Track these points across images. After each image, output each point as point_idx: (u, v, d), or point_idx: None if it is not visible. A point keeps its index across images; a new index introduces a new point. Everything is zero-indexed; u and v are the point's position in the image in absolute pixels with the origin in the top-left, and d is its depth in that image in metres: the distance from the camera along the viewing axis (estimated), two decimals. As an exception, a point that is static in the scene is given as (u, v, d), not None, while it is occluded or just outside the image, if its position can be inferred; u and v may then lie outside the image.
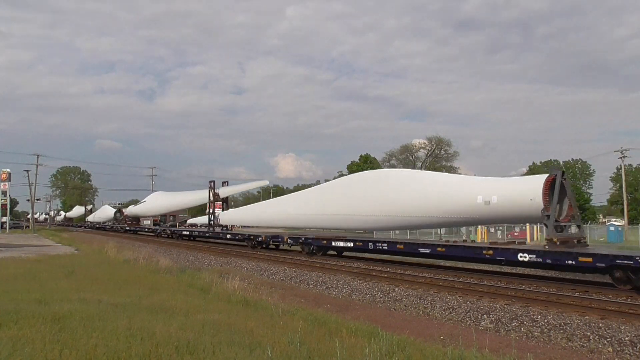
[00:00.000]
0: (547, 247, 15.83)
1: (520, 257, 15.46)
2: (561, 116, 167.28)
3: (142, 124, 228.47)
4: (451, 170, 64.74)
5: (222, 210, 40.10)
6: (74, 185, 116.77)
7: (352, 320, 9.81)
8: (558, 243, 15.78)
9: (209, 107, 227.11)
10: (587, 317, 10.67)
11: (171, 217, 61.32)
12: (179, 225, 52.13)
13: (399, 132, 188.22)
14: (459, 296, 13.43)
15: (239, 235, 34.59)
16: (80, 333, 6.29)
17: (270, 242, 29.78)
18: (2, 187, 61.36)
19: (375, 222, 23.68)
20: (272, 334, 7.23)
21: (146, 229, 59.21)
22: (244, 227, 46.89)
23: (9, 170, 63.27)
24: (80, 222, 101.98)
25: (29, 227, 74.64)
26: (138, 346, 5.71)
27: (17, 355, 5.14)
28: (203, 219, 42.25)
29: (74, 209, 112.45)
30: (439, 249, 18.47)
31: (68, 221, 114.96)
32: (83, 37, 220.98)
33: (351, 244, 23.01)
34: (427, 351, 6.76)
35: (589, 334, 9.51)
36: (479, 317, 11.34)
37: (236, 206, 51.71)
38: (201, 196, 48.07)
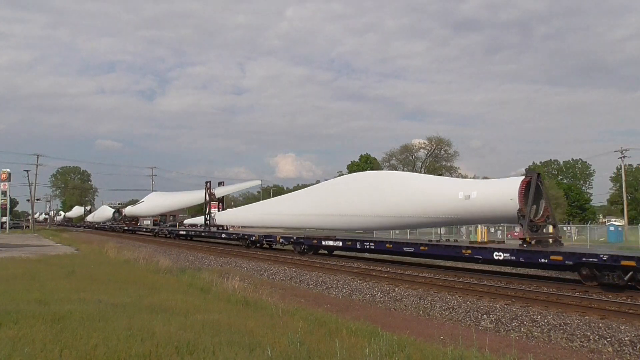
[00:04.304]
0: (524, 245, 16.42)
1: (496, 255, 16.07)
2: (561, 116, 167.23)
3: (142, 124, 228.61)
4: (451, 170, 64.87)
5: (219, 210, 40.44)
6: (74, 185, 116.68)
7: (352, 320, 9.80)
8: (533, 242, 16.49)
9: (209, 107, 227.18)
10: (587, 317, 10.68)
11: (171, 217, 62.90)
12: (179, 225, 52.29)
13: (399, 132, 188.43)
14: (459, 296, 13.43)
15: (234, 235, 35.03)
16: (80, 333, 6.29)
17: (264, 242, 30.24)
18: (2, 187, 61.13)
19: (368, 222, 24.55)
20: (272, 334, 7.22)
21: (144, 229, 59.76)
22: (244, 227, 46.98)
23: (9, 170, 63.08)
24: (79, 222, 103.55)
25: (29, 227, 74.56)
26: (138, 346, 5.71)
27: (17, 355, 5.14)
28: (200, 219, 42.77)
29: (73, 209, 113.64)
30: (421, 247, 19.24)
31: (68, 221, 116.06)
32: (83, 37, 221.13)
33: (340, 244, 23.62)
34: (427, 351, 6.76)
35: (589, 334, 9.51)
36: (479, 317, 11.34)
37: (236, 206, 51.89)
38: (198, 196, 47.76)
